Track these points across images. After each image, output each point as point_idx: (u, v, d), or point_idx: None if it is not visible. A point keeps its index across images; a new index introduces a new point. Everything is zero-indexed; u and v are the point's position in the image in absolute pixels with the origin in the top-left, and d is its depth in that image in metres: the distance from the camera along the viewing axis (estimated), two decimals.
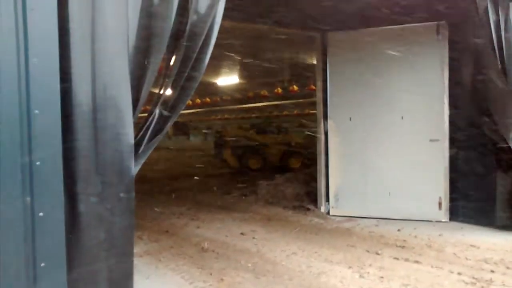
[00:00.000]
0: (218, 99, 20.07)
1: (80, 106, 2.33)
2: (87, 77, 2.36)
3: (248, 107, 20.05)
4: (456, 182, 5.83)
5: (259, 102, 18.49)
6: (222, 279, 3.87)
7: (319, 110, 6.51)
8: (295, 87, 15.05)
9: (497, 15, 4.77)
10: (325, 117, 6.36)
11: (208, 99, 20.35)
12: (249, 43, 9.13)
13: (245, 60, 11.46)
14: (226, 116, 23.45)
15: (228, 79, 14.92)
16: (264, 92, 16.53)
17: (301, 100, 15.98)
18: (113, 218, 2.42)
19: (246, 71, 13.90)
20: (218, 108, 22.23)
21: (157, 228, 5.80)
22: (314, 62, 6.99)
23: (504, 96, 4.92)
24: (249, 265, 4.26)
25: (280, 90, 15.35)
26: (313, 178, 7.00)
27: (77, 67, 2.33)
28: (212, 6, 2.83)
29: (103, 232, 2.39)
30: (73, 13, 2.32)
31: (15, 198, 2.10)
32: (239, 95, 18.29)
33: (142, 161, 2.59)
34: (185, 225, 6.01)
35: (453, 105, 5.75)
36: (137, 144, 2.58)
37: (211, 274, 4.00)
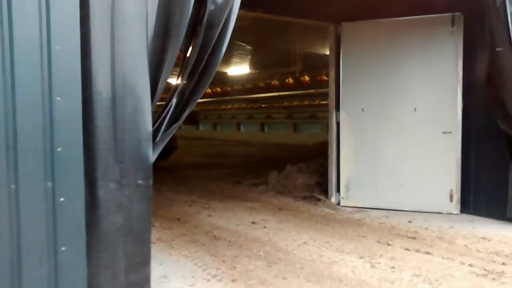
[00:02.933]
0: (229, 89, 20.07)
1: (100, 94, 2.37)
2: (107, 65, 2.40)
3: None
4: (468, 174, 5.81)
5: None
6: (234, 267, 3.92)
7: (332, 101, 6.50)
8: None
9: None
10: (337, 107, 6.35)
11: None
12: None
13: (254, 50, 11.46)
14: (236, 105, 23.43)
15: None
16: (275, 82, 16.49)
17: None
18: (131, 204, 2.47)
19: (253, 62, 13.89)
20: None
21: (170, 215, 5.86)
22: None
23: None
24: (261, 253, 4.30)
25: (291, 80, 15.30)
26: (324, 169, 7.02)
27: (97, 55, 2.36)
28: None
29: (121, 218, 2.44)
30: (94, 0, 2.35)
31: (37, 183, 2.15)
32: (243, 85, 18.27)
33: (160, 149, 2.63)
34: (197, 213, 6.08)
35: (467, 97, 5.72)
36: (155, 132, 2.62)
37: (223, 262, 4.05)
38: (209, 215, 5.93)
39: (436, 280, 3.62)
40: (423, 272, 3.80)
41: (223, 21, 2.83)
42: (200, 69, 2.78)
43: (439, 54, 5.78)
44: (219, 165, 11.47)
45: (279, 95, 18.30)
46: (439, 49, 5.78)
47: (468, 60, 5.65)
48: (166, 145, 2.68)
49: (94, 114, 2.35)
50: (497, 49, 4.87)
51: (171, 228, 5.25)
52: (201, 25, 2.77)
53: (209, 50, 2.79)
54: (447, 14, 5.69)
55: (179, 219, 5.67)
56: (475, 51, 5.56)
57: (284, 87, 16.34)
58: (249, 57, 13.06)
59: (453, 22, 5.69)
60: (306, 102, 18.15)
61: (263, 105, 21.37)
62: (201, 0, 2.77)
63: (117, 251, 2.42)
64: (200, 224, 5.47)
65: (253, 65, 14.65)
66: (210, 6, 2.79)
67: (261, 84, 17.77)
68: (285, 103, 19.67)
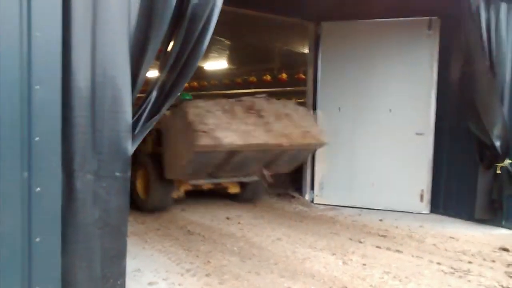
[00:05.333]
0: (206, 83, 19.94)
1: (79, 83, 2.33)
2: (87, 55, 2.36)
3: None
4: (439, 175, 5.96)
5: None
6: (208, 261, 3.92)
7: (309, 100, 6.56)
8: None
9: (489, 13, 4.87)
10: (314, 106, 6.41)
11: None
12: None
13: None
14: None
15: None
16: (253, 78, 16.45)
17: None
18: (108, 196, 2.44)
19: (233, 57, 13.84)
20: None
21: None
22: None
23: (490, 94, 5.04)
24: (235, 249, 4.32)
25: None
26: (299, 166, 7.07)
27: (78, 44, 2.32)
28: None
29: (98, 210, 2.41)
30: None
31: (13, 172, 2.11)
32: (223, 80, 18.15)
33: (138, 141, 2.61)
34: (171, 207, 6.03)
35: (440, 99, 5.85)
36: (134, 125, 2.59)
37: (197, 256, 4.05)
38: (183, 210, 5.91)
39: (406, 277, 3.71)
40: (393, 269, 3.89)
41: (206, 15, 2.82)
42: (182, 62, 2.77)
43: (415, 56, 5.91)
44: None
45: (256, 92, 18.25)
46: (415, 51, 5.90)
47: (443, 63, 5.78)
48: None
49: (73, 103, 2.31)
50: (471, 54, 5.02)
51: (145, 222, 5.21)
52: (184, 18, 2.75)
53: (192, 44, 2.78)
54: (424, 17, 5.81)
55: (153, 213, 5.63)
56: (450, 55, 5.70)
57: (261, 83, 16.30)
58: (228, 52, 13.00)
59: (430, 26, 5.82)
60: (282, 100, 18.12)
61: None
62: None
63: (93, 244, 2.39)
64: (174, 218, 5.45)
65: (231, 60, 14.58)
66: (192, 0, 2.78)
67: (239, 80, 17.69)
68: None
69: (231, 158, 4.87)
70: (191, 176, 5.28)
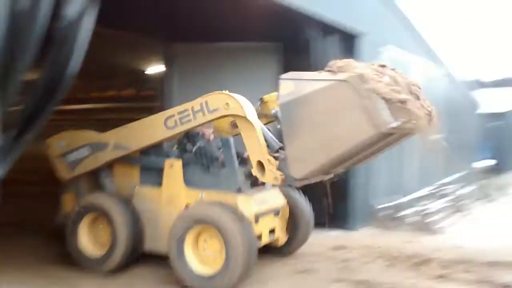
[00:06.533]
0: None
1: None
2: None
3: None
4: None
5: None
6: None
7: None
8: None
9: (324, 43, 5.62)
10: None
11: None
12: None
13: None
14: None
15: None
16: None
17: None
18: None
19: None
20: None
21: None
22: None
23: None
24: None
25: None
26: None
27: None
28: (81, 14, 2.86)
29: None
30: None
31: None
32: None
33: (8, 165, 2.49)
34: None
35: None
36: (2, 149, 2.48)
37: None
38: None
39: (266, 280, 4.15)
40: (253, 273, 4.16)
41: (75, 38, 2.83)
42: (51, 86, 2.73)
43: (262, 78, 6.42)
44: (33, 182, 10.30)
45: (97, 108, 17.48)
46: (262, 73, 6.45)
47: None
48: None
49: None
50: None
51: None
52: (53, 41, 2.72)
53: (61, 67, 2.76)
54: (269, 43, 6.40)
55: None
56: None
57: (104, 99, 15.76)
58: None
59: (274, 50, 6.42)
60: (127, 116, 17.62)
61: (75, 118, 20.03)
62: (52, 16, 2.72)
63: None
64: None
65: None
66: (61, 23, 2.77)
67: (79, 95, 16.77)
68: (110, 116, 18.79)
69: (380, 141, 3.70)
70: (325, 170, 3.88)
